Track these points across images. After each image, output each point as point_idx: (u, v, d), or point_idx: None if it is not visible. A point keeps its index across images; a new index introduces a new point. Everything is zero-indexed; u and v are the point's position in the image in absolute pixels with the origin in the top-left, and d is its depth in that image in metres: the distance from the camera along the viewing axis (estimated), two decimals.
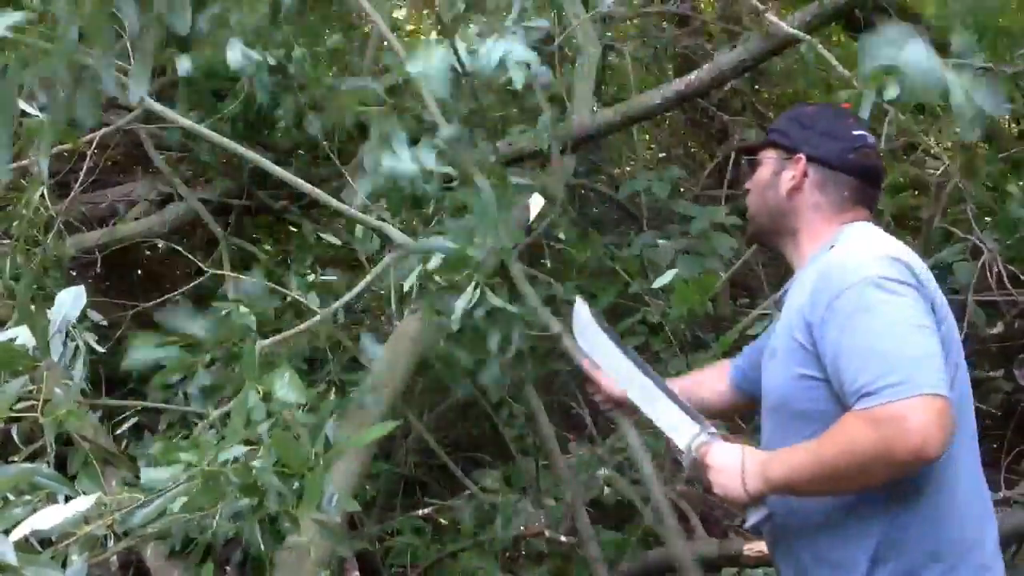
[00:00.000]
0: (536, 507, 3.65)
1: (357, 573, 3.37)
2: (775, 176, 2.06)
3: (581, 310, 2.40)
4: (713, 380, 2.37)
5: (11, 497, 1.30)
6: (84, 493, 1.32)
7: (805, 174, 2.02)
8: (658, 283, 2.35)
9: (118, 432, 2.72)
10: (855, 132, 2.05)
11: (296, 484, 1.45)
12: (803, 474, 1.74)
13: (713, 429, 1.95)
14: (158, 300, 3.67)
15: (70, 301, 1.63)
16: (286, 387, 1.43)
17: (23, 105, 1.92)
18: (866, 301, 1.72)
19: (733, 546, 3.41)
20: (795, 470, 1.75)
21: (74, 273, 3.87)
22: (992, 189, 4.09)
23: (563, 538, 3.48)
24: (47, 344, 1.51)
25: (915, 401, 1.60)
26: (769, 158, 2.09)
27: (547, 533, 3.51)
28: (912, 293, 1.74)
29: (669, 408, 2.08)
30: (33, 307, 1.53)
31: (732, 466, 1.84)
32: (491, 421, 3.81)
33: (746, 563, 3.39)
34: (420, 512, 3.88)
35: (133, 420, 2.67)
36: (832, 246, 1.93)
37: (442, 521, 3.86)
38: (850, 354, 1.70)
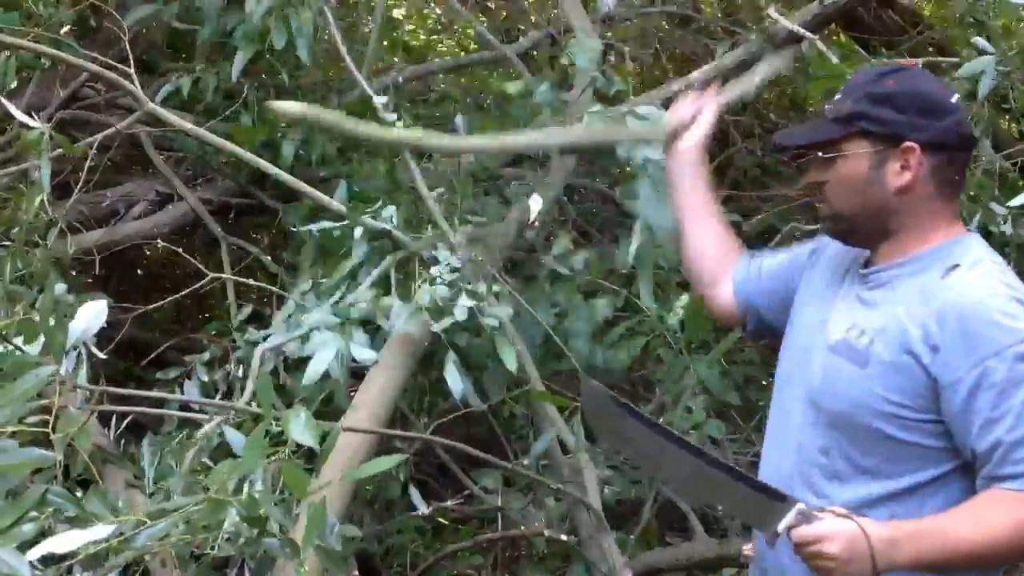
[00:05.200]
0: (536, 507, 3.65)
1: (357, 573, 3.37)
2: (875, 171, 1.79)
3: (592, 388, 1.97)
4: (725, 248, 2.16)
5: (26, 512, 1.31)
6: (93, 513, 1.34)
7: (920, 164, 1.77)
8: (674, 318, 2.27)
9: (118, 431, 2.72)
10: (952, 99, 1.82)
11: (296, 512, 1.47)
12: (943, 559, 1.66)
13: (802, 504, 1.71)
14: (159, 303, 3.67)
15: (91, 316, 1.61)
16: (301, 428, 1.43)
17: (23, 117, 1.94)
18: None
19: (733, 546, 3.41)
20: (935, 554, 1.65)
21: (74, 274, 3.88)
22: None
23: (563, 538, 3.48)
24: (63, 358, 1.50)
25: None
26: (860, 152, 1.81)
27: (547, 533, 3.51)
28: None
29: (736, 488, 1.78)
30: (53, 319, 1.52)
31: (861, 554, 1.63)
32: (491, 421, 3.81)
33: (746, 563, 3.39)
34: (420, 512, 3.88)
35: (128, 419, 2.67)
36: (954, 263, 1.75)
37: (442, 521, 3.86)
38: (1003, 424, 1.63)
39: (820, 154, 1.86)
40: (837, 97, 1.89)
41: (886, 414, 1.73)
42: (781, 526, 1.70)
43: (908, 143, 1.77)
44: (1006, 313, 1.66)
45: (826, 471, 1.81)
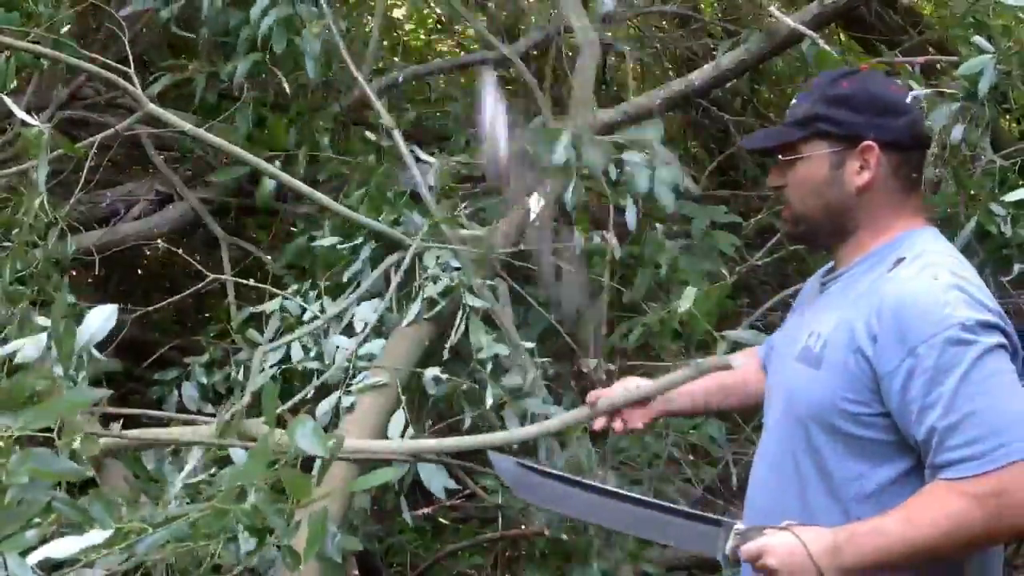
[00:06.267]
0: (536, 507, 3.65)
1: (356, 572, 3.37)
2: (834, 171, 1.82)
3: (503, 464, 2.06)
4: (753, 372, 2.20)
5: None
6: (96, 521, 1.34)
7: (879, 163, 1.80)
8: (683, 306, 2.26)
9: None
10: (906, 100, 1.87)
11: (297, 520, 1.47)
12: (889, 558, 1.63)
13: (739, 524, 1.77)
14: (159, 304, 3.67)
15: (99, 322, 1.60)
16: (308, 438, 1.43)
17: (22, 115, 1.94)
18: (956, 356, 1.62)
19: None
20: (879, 554, 1.63)
21: (74, 274, 3.88)
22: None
23: (563, 537, 3.48)
24: (70, 363, 1.50)
25: (1015, 470, 1.56)
26: (819, 153, 1.83)
27: (547, 533, 3.51)
28: (997, 338, 1.65)
29: (671, 521, 1.87)
30: (62, 325, 1.52)
31: (802, 564, 1.64)
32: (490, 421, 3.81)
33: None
34: (420, 512, 3.88)
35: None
36: (900, 256, 1.77)
37: (442, 521, 3.86)
38: (936, 411, 1.62)
39: (780, 157, 1.89)
40: (794, 102, 1.93)
41: (844, 412, 1.73)
42: (727, 548, 1.75)
43: (867, 143, 1.80)
44: (939, 301, 1.66)
45: (800, 480, 1.81)
